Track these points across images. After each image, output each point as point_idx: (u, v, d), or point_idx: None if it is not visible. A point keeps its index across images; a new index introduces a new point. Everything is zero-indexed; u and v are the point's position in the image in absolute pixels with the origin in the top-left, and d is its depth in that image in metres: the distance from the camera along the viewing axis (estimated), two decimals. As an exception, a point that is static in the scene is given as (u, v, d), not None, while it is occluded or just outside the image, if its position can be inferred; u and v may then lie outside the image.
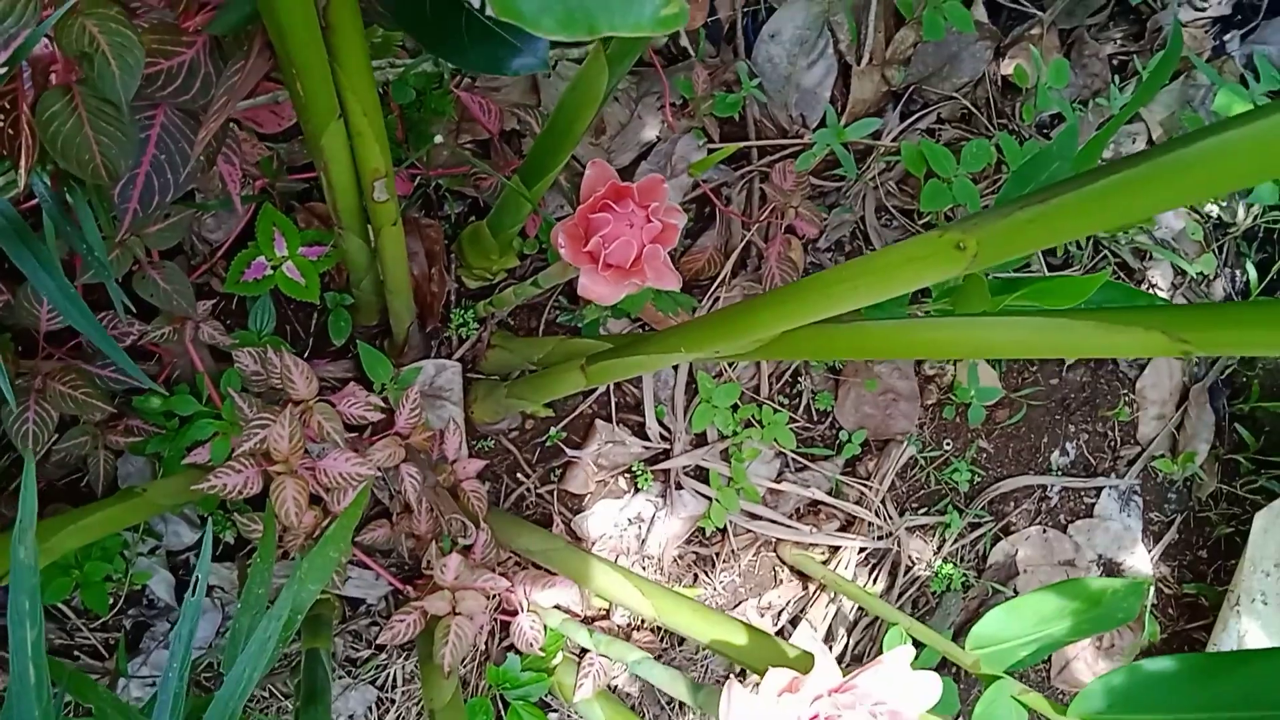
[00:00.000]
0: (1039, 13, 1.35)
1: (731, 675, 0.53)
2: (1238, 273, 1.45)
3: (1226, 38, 1.45)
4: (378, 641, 0.95)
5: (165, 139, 0.61)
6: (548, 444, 1.19)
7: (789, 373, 1.27)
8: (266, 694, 1.06)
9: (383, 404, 0.98)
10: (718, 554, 1.24)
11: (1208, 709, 0.74)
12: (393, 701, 1.09)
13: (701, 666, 1.22)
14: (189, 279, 0.93)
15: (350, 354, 1.12)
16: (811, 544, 1.25)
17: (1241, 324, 0.52)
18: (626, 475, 1.22)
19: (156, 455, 0.99)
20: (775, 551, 1.26)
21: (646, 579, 0.89)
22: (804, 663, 0.71)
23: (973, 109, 1.32)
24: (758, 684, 0.56)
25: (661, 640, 1.16)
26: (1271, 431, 1.42)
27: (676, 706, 1.18)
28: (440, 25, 0.59)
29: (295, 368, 0.90)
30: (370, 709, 1.08)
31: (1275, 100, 0.37)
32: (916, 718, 0.53)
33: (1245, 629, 1.32)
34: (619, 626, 1.03)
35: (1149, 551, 1.42)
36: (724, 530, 1.24)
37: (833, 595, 1.26)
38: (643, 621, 1.05)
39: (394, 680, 1.10)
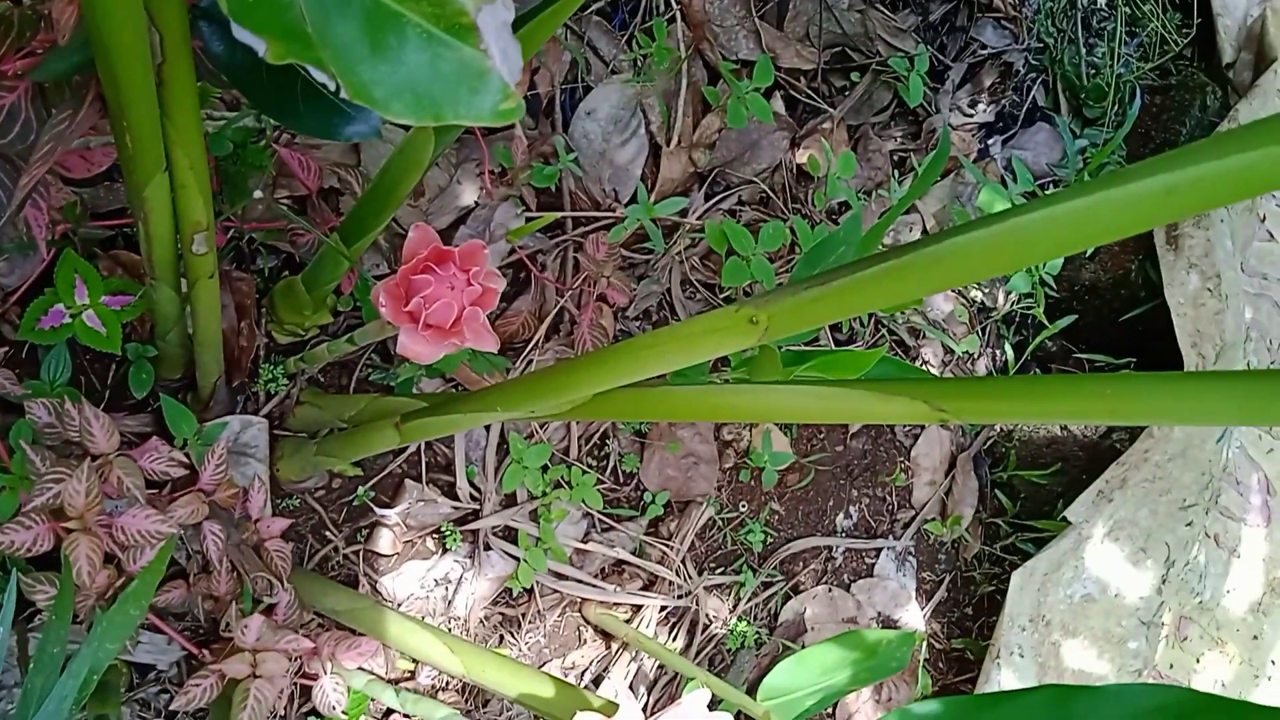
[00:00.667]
0: (830, 109, 1.49)
1: None
2: (998, 352, 1.62)
3: (990, 142, 1.63)
4: (170, 708, 0.91)
5: (-24, 182, 0.60)
6: (355, 503, 1.18)
7: (598, 435, 1.32)
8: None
9: (185, 459, 0.96)
10: (524, 614, 1.26)
11: (968, 745, 0.82)
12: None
13: (505, 726, 1.23)
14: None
15: (150, 408, 1.09)
16: (615, 603, 1.29)
17: (989, 396, 0.60)
18: (435, 536, 1.22)
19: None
20: (580, 611, 1.29)
21: (453, 636, 0.90)
22: (609, 711, 0.74)
23: (770, 193, 1.42)
24: (565, 730, 0.59)
25: (467, 700, 1.16)
26: (1027, 498, 1.58)
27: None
28: (275, 89, 0.61)
29: (96, 420, 0.87)
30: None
31: (1026, 203, 0.45)
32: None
33: (1004, 680, 1.45)
34: (425, 687, 1.03)
35: (921, 609, 1.54)
36: (530, 591, 1.26)
37: (634, 654, 1.30)
38: (448, 682, 1.05)
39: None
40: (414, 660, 1.08)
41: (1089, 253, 1.57)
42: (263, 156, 1.09)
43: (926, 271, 0.48)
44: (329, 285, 1.05)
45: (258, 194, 1.00)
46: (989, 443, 1.60)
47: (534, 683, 0.74)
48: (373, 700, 1.07)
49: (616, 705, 0.60)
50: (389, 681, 0.99)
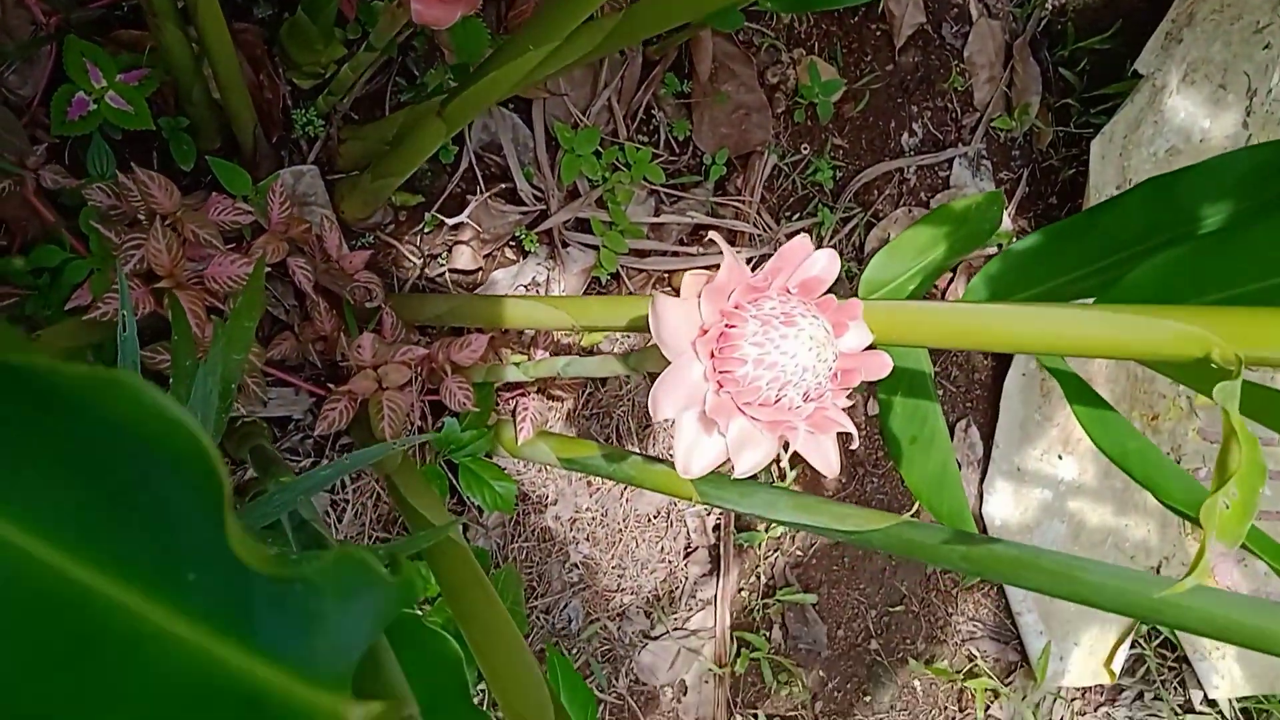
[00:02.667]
0: None
1: (655, 290, 0.57)
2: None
3: None
4: (316, 434, 0.96)
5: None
6: (426, 230, 1.19)
7: (642, 109, 1.28)
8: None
9: (250, 210, 0.97)
10: (617, 298, 1.28)
11: (1076, 268, 0.82)
12: (347, 501, 1.12)
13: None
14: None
15: (202, 182, 1.09)
16: (702, 267, 1.30)
17: None
18: (511, 244, 1.23)
19: (33, 318, 0.96)
20: (670, 284, 1.31)
21: (552, 297, 0.92)
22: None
23: None
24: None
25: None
26: (1092, 69, 1.51)
27: (615, 440, 1.24)
28: None
29: (152, 181, 0.87)
30: (327, 512, 1.11)
31: None
32: (827, 281, 0.58)
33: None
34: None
35: (1006, 209, 1.52)
36: (617, 275, 1.27)
37: (732, 310, 1.32)
38: (559, 347, 1.09)
39: (342, 482, 1.12)
40: (524, 351, 1.11)
41: None
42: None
43: None
44: (330, 6, 1.01)
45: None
46: (1043, 22, 1.52)
47: (638, 305, 0.75)
48: (501, 400, 1.11)
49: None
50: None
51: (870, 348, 0.61)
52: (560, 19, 0.71)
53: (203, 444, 0.17)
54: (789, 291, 0.58)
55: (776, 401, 0.56)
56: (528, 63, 0.76)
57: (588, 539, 1.23)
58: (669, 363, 0.57)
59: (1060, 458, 1.50)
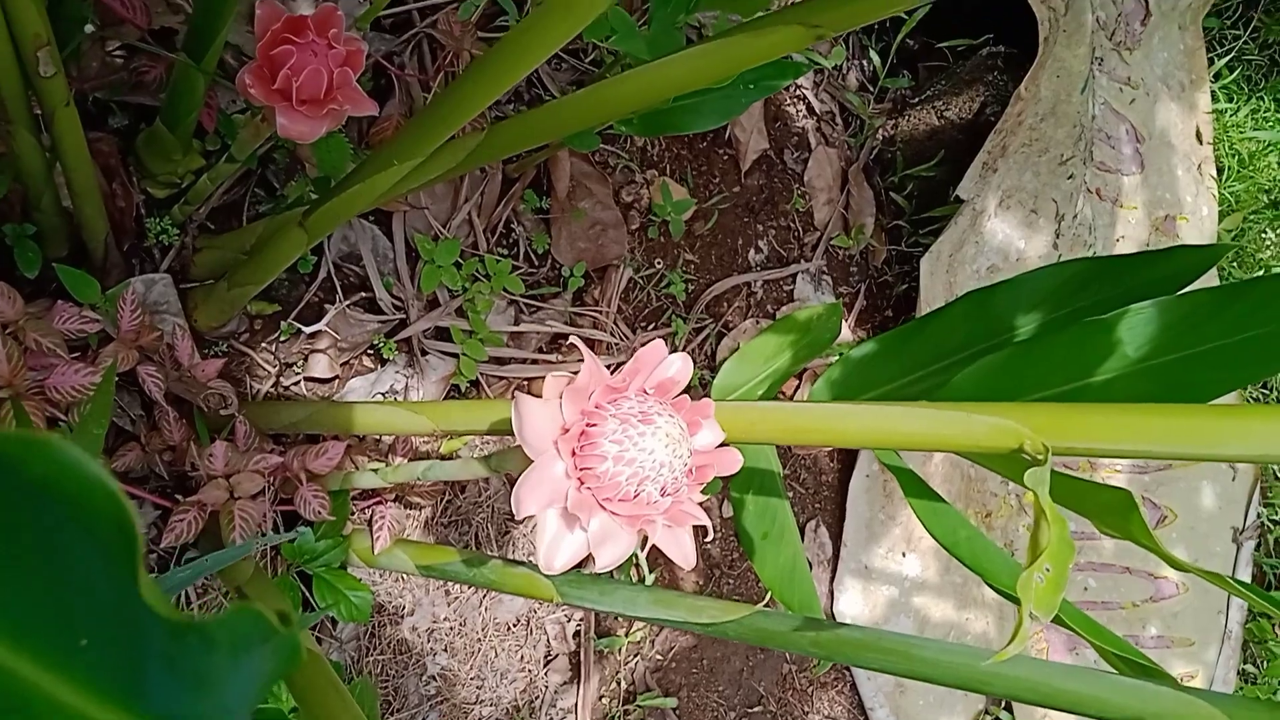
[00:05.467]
0: None
1: (517, 393, 0.59)
2: (864, 62, 1.65)
3: None
4: (161, 547, 0.93)
5: None
6: (282, 338, 1.18)
7: (502, 223, 1.32)
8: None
9: (98, 318, 0.95)
10: (476, 406, 1.29)
11: (908, 372, 0.89)
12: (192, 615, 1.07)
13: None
14: None
15: (46, 291, 1.06)
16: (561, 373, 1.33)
17: (854, -2, 0.63)
18: (370, 352, 1.23)
19: None
20: (530, 390, 1.33)
21: (410, 402, 0.93)
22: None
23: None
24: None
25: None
26: (920, 194, 1.64)
27: (473, 547, 1.24)
28: None
29: (-7, 287, 0.85)
30: (169, 631, 1.06)
31: None
32: (681, 383, 0.61)
33: (932, 360, 1.54)
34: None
35: (845, 321, 1.62)
36: (477, 382, 1.29)
37: (590, 417, 1.34)
38: (418, 454, 1.09)
39: (187, 598, 1.08)
40: (381, 458, 1.11)
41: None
42: (81, 7, 1.04)
43: None
44: (190, 118, 1.02)
45: (89, 29, 0.95)
46: (875, 151, 1.65)
47: (500, 409, 0.77)
48: (356, 508, 1.10)
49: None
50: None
51: (722, 445, 0.64)
52: (424, 136, 0.74)
53: (119, 499, 0.18)
54: (646, 392, 0.61)
55: (635, 497, 0.58)
56: (391, 177, 0.79)
57: (445, 650, 1.21)
58: (531, 462, 0.59)
59: (904, 555, 1.57)
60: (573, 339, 0.60)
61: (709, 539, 0.60)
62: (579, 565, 0.60)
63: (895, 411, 0.58)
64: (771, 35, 0.64)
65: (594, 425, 0.59)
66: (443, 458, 1.10)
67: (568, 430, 0.59)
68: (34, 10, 0.67)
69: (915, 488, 0.79)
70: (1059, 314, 0.83)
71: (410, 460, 1.05)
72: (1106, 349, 0.74)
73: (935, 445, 0.57)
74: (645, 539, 0.60)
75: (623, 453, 0.58)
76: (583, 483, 0.59)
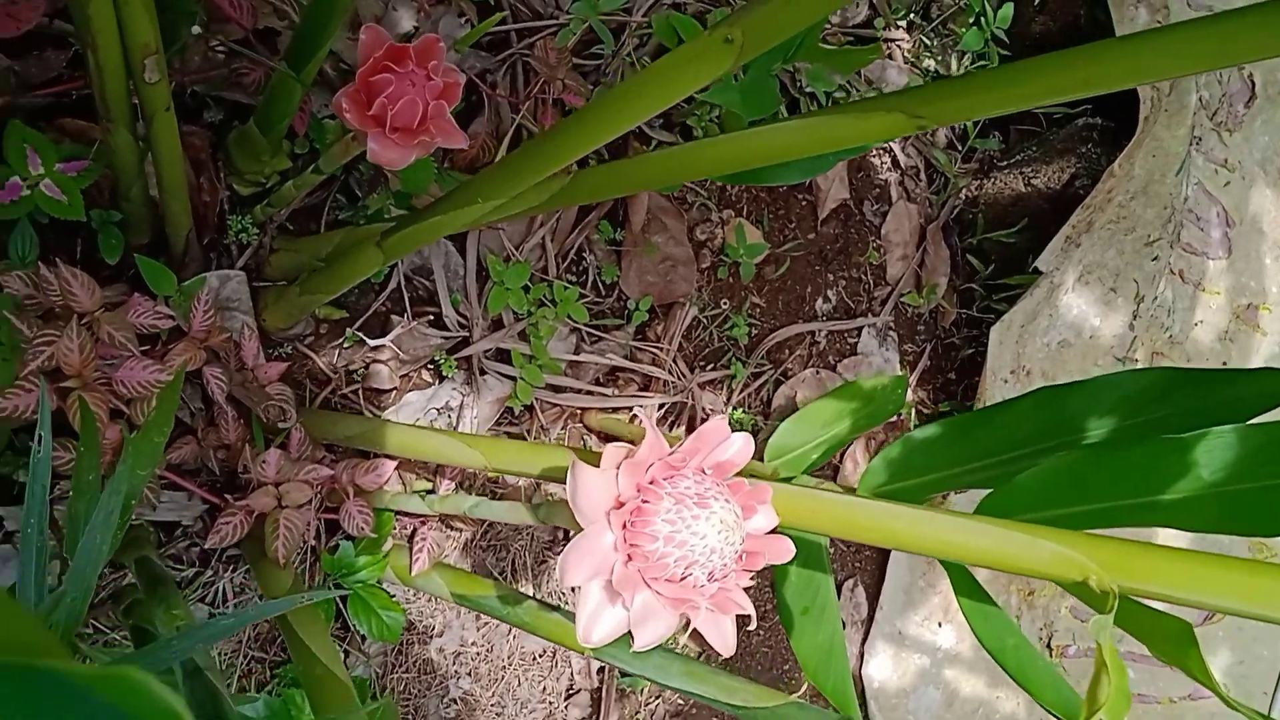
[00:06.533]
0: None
1: (574, 459, 0.58)
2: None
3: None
4: (206, 547, 0.94)
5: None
6: (346, 345, 1.19)
7: (574, 251, 1.32)
8: (90, 630, 1.03)
9: (171, 314, 0.96)
10: (528, 430, 1.29)
11: (969, 460, 0.87)
12: (226, 616, 1.08)
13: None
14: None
15: (125, 277, 1.08)
16: (615, 408, 1.32)
17: (964, 92, 0.61)
18: (429, 366, 1.24)
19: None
20: (582, 420, 1.33)
21: (466, 434, 0.93)
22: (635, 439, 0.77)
23: (711, -16, 1.39)
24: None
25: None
26: (998, 259, 1.61)
27: (510, 574, 1.24)
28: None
29: (75, 279, 0.86)
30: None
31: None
32: (739, 465, 0.60)
33: (992, 430, 1.51)
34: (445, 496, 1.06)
35: (908, 387, 1.59)
36: (531, 407, 1.29)
37: (640, 453, 1.34)
38: (466, 485, 1.09)
39: (224, 595, 1.09)
40: (430, 478, 1.11)
41: (1038, 2, 1.55)
42: (189, 1, 1.06)
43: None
44: (283, 123, 1.03)
45: (195, 29, 0.97)
46: (956, 210, 1.63)
47: (555, 455, 0.77)
48: (399, 523, 1.10)
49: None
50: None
51: (775, 530, 0.63)
52: (510, 180, 0.74)
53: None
54: (704, 472, 0.60)
55: (682, 579, 0.57)
56: (472, 213, 0.79)
57: (470, 674, 1.21)
58: (580, 525, 0.58)
59: (940, 625, 1.54)
60: (637, 412, 0.59)
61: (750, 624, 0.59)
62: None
63: (960, 524, 0.56)
64: (873, 120, 0.63)
65: (648, 502, 0.58)
66: (491, 483, 1.10)
67: (622, 504, 0.58)
68: (147, 21, 0.68)
69: (966, 586, 0.77)
70: (1133, 421, 0.81)
71: (458, 484, 1.05)
72: (1180, 469, 0.72)
73: (997, 565, 0.56)
74: (687, 622, 0.59)
75: (674, 533, 0.57)
76: (630, 559, 0.58)
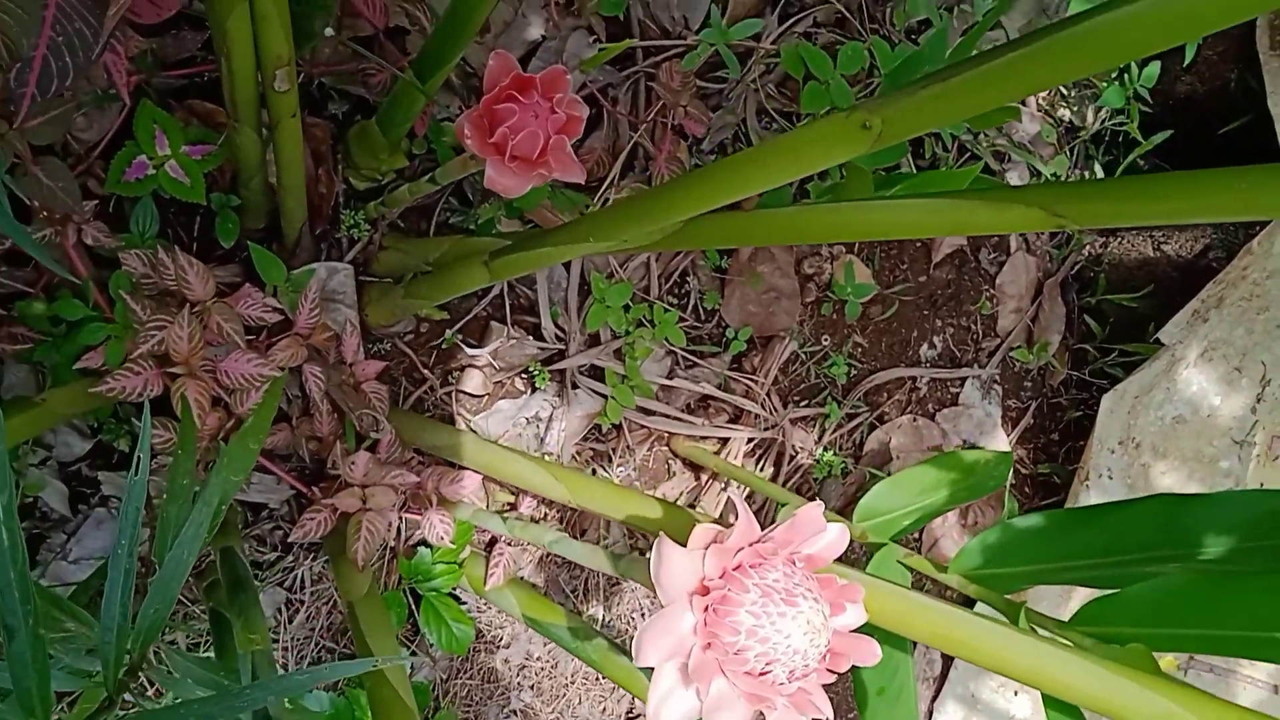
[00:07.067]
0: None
1: (661, 534, 0.56)
2: (1087, 173, 1.55)
3: (1080, -52, 1.52)
4: (289, 539, 0.95)
5: (61, 19, 0.59)
6: (444, 346, 1.19)
7: (678, 273, 1.30)
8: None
9: (278, 306, 0.97)
10: (614, 449, 1.28)
11: (1071, 557, 0.83)
12: (302, 602, 1.10)
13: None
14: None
15: (237, 259, 1.10)
16: (703, 436, 1.30)
17: (1111, 197, 0.58)
18: (523, 376, 1.24)
19: (40, 364, 0.95)
20: (668, 445, 1.31)
21: (555, 464, 0.92)
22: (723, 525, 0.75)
23: (847, 13, 1.35)
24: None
25: (566, 529, 1.20)
26: (1116, 322, 1.54)
27: (582, 593, 1.23)
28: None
29: (190, 267, 0.88)
30: (280, 610, 1.09)
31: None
32: (831, 558, 0.58)
33: (1094, 502, 1.45)
34: (527, 517, 1.06)
35: (1007, 436, 1.54)
36: (619, 426, 1.28)
37: (724, 485, 1.32)
38: (546, 514, 1.08)
39: (302, 581, 1.10)
40: (513, 494, 1.10)
41: (1186, 63, 1.47)
42: (327, -2, 1.06)
43: (1064, 55, 0.45)
44: (404, 126, 1.03)
45: (328, 31, 0.97)
46: (1076, 267, 1.56)
47: (641, 505, 0.75)
48: (478, 531, 1.10)
49: (727, 523, 0.61)
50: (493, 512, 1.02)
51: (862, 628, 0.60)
52: (623, 226, 0.72)
53: None
54: (794, 563, 0.58)
55: (761, 675, 0.55)
56: (582, 249, 0.77)
57: (532, 688, 1.21)
58: (659, 603, 0.57)
59: (1015, 694, 1.49)
60: (736, 506, 0.57)
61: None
62: None
63: (1068, 661, 0.53)
64: (1011, 213, 0.60)
65: (734, 591, 0.56)
66: (570, 511, 1.09)
67: (708, 590, 0.56)
68: (282, 35, 0.69)
69: (1059, 703, 0.73)
70: (1255, 544, 0.76)
71: (540, 501, 1.04)
72: (1306, 606, 0.67)
73: (1103, 712, 0.52)
74: (761, 716, 0.57)
75: (757, 628, 0.55)
76: (709, 646, 0.56)
